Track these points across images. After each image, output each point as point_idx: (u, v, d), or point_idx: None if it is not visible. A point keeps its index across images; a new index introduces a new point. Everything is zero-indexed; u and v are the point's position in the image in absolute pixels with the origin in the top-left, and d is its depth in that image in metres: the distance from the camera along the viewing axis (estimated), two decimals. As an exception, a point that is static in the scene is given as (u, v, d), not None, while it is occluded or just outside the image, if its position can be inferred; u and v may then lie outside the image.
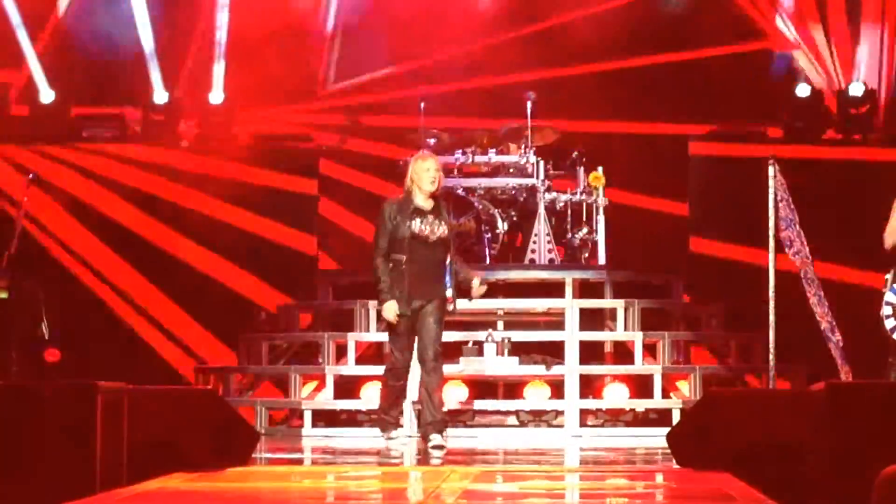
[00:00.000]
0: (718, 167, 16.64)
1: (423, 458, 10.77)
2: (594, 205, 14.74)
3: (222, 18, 16.85)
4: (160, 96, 16.96)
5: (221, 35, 16.81)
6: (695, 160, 16.75)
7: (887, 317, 10.01)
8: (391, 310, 11.18)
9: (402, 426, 12.14)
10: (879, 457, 6.92)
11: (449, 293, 11.29)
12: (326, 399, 13.63)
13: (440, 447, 11.12)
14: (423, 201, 11.28)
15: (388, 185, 14.95)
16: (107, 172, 16.74)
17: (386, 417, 11.55)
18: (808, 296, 11.92)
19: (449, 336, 12.26)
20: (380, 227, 11.27)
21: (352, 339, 13.91)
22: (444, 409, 11.55)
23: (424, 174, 11.22)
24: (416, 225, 11.20)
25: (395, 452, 11.17)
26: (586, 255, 14.73)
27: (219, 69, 16.90)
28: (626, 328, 13.96)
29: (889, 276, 10.12)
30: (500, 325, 14.31)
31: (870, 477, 6.56)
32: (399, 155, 14.81)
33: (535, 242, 14.56)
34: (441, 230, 11.27)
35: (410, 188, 11.29)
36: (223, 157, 16.73)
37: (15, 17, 16.77)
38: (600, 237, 14.72)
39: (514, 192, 14.69)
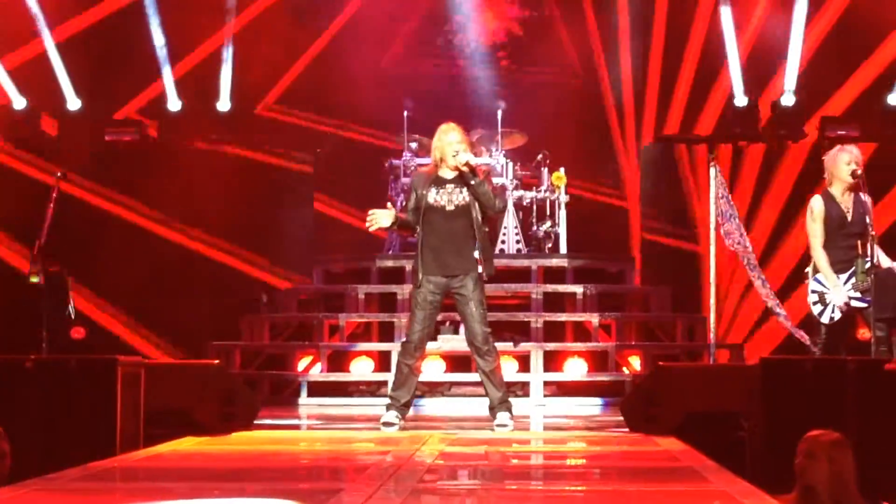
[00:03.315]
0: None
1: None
2: (556, 201, 14.75)
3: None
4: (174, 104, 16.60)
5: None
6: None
7: (814, 303, 10.02)
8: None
9: (404, 414, 9.97)
10: (806, 422, 6.95)
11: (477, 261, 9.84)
12: (320, 372, 13.61)
13: (504, 425, 9.86)
14: (447, 173, 9.84)
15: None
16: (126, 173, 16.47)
17: (393, 398, 9.91)
18: (752, 280, 11.92)
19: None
20: (407, 199, 9.98)
21: (342, 319, 13.89)
22: (504, 387, 10.04)
23: (447, 147, 9.77)
24: (433, 195, 9.75)
25: (385, 430, 9.74)
26: (549, 245, 14.74)
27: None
28: (584, 310, 13.97)
29: (809, 269, 10.14)
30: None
31: (797, 440, 6.60)
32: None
33: (504, 234, 14.57)
34: (460, 199, 9.74)
35: (438, 162, 9.86)
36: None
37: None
38: (562, 229, 14.72)
39: (486, 189, 14.63)
